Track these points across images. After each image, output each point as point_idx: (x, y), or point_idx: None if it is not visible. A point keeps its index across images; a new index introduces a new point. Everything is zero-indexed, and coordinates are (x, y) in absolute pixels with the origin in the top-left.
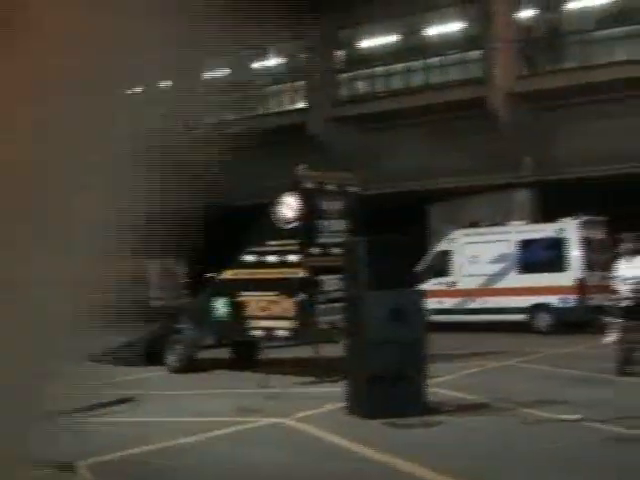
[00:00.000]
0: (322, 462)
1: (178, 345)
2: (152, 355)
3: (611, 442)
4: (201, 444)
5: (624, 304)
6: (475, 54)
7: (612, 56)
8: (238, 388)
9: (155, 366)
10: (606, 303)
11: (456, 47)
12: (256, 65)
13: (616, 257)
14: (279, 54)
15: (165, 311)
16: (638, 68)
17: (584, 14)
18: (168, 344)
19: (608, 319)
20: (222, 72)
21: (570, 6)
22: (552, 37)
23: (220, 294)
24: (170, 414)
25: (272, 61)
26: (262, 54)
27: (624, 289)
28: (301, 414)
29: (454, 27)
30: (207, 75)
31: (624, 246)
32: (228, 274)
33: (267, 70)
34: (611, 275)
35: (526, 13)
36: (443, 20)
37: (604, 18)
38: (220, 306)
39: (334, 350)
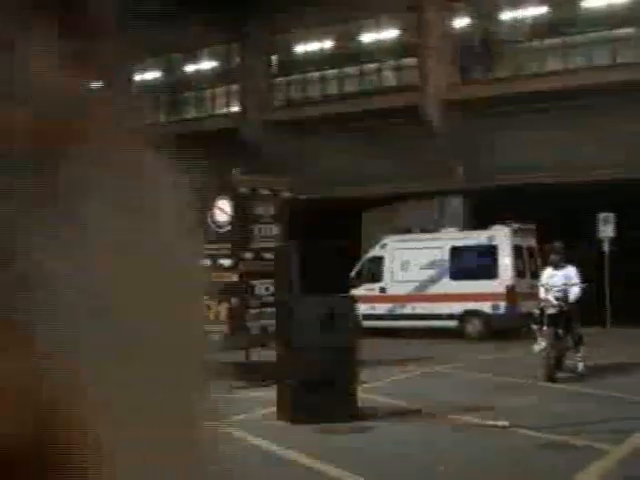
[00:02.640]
0: (253, 467)
1: None
2: None
3: (539, 448)
4: None
5: (551, 311)
6: (409, 61)
7: (544, 67)
8: None
9: None
10: (535, 310)
11: (391, 54)
12: (189, 68)
13: (544, 265)
14: (213, 57)
15: None
16: (568, 79)
17: (517, 24)
18: None
19: (537, 326)
20: (154, 74)
21: (504, 16)
22: (485, 46)
23: None
24: None
25: (206, 64)
26: (195, 57)
27: (551, 297)
28: (232, 419)
29: (389, 34)
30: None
31: (552, 255)
32: None
33: (200, 73)
34: (540, 282)
35: (460, 22)
36: (378, 27)
37: (536, 29)
38: None
39: (266, 355)
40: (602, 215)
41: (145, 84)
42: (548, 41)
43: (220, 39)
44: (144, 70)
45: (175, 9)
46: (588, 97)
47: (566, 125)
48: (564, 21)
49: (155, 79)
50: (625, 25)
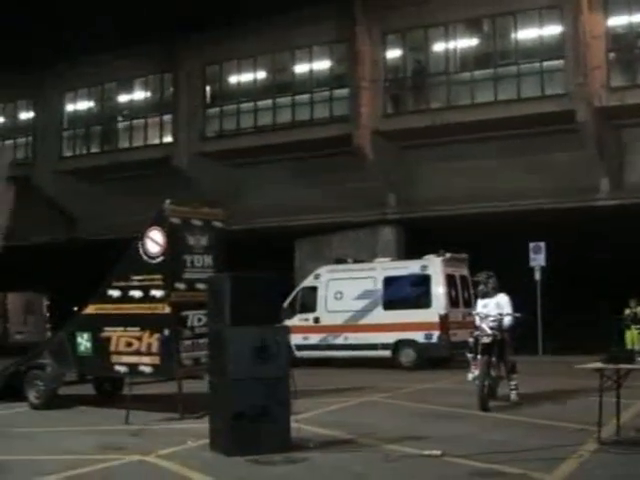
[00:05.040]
0: None
1: (39, 381)
2: (10, 391)
3: (472, 477)
4: None
5: (485, 340)
6: (342, 92)
7: (474, 98)
8: (101, 425)
9: (14, 402)
10: (468, 339)
11: (323, 85)
12: (122, 98)
13: (477, 294)
14: (146, 87)
15: (26, 345)
16: (498, 109)
17: (448, 56)
18: (29, 380)
19: (470, 355)
20: (87, 104)
21: (435, 48)
22: (417, 77)
23: (83, 329)
24: (30, 452)
25: (138, 94)
26: (128, 87)
27: (485, 326)
28: (164, 451)
29: (322, 65)
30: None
31: (480, 286)
32: (92, 309)
33: (133, 103)
34: (472, 312)
35: (392, 53)
36: (311, 58)
37: (467, 61)
38: (83, 341)
39: (198, 386)
40: (533, 244)
41: (77, 114)
42: (479, 72)
43: (153, 70)
44: (76, 100)
45: (108, 40)
46: (517, 127)
47: (496, 155)
48: (492, 54)
49: (88, 109)
50: (553, 58)
